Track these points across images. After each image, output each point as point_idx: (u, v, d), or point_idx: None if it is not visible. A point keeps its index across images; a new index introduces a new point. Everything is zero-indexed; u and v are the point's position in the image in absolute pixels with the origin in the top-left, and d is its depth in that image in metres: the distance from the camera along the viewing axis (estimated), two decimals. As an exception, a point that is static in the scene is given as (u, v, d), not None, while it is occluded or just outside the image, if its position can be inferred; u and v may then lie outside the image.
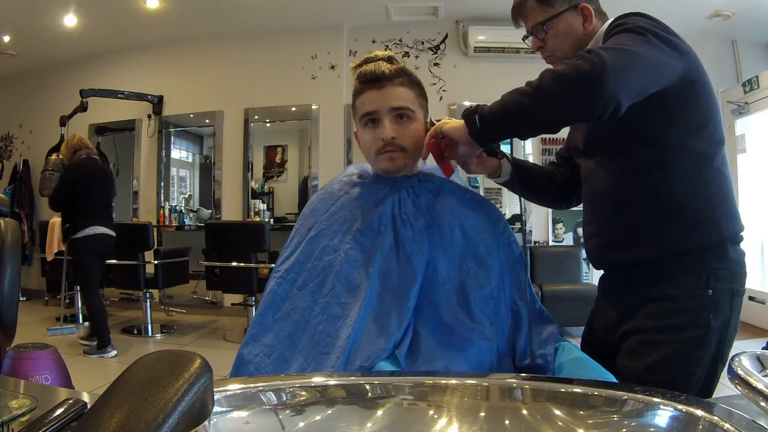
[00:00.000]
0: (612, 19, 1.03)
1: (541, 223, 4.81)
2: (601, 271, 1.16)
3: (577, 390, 0.52)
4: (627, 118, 0.90)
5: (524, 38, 1.14)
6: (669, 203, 0.98)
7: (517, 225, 4.84)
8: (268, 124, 5.39)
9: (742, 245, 1.03)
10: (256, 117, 5.24)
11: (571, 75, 0.84)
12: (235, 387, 0.51)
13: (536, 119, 0.89)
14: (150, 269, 4.21)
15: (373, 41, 4.92)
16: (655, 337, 0.97)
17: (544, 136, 4.83)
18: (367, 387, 0.56)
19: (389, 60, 1.03)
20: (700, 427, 0.43)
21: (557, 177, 1.25)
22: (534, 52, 1.14)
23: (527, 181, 1.20)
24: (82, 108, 4.93)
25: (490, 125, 0.91)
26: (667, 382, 0.91)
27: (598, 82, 0.81)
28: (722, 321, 0.96)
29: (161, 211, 5.25)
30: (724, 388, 0.81)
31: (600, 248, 1.10)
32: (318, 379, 0.56)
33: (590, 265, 1.20)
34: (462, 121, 0.95)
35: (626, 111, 0.88)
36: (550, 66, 1.02)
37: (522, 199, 1.21)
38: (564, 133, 1.25)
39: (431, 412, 0.54)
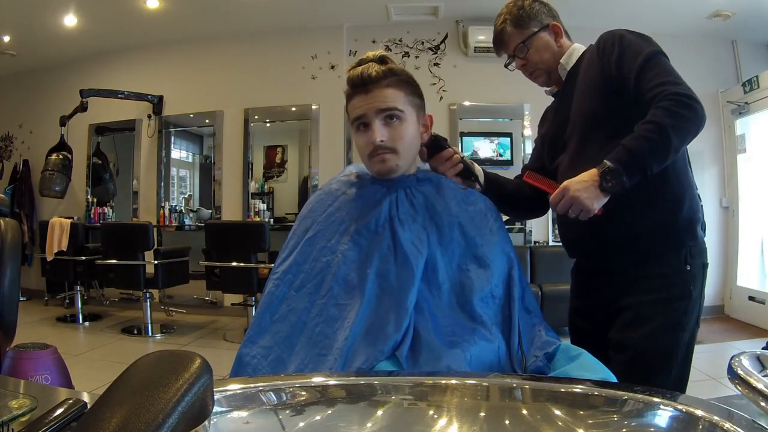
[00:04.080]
0: (599, 38, 1.21)
1: (541, 223, 4.81)
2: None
3: (577, 390, 0.52)
4: (610, 112, 1.14)
5: (507, 65, 1.33)
6: (648, 187, 1.08)
7: (517, 225, 4.85)
8: (268, 124, 5.39)
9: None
10: (256, 117, 5.24)
11: (692, 121, 1.04)
12: (235, 387, 0.51)
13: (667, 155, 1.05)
14: (150, 269, 4.21)
15: (373, 41, 4.92)
16: (650, 309, 1.12)
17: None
18: (367, 387, 0.56)
19: (380, 60, 1.03)
20: (700, 427, 0.43)
21: (525, 188, 1.28)
22: (519, 69, 1.31)
23: (498, 192, 1.24)
24: (82, 108, 4.93)
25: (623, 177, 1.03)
26: (661, 347, 1.10)
27: (703, 118, 1.05)
28: (699, 291, 1.14)
29: (161, 211, 5.25)
30: (724, 388, 0.81)
31: (583, 233, 1.19)
32: (318, 379, 0.56)
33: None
34: (590, 179, 1.04)
35: (608, 105, 1.14)
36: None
37: None
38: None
39: (431, 412, 0.54)
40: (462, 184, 1.13)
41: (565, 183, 1.05)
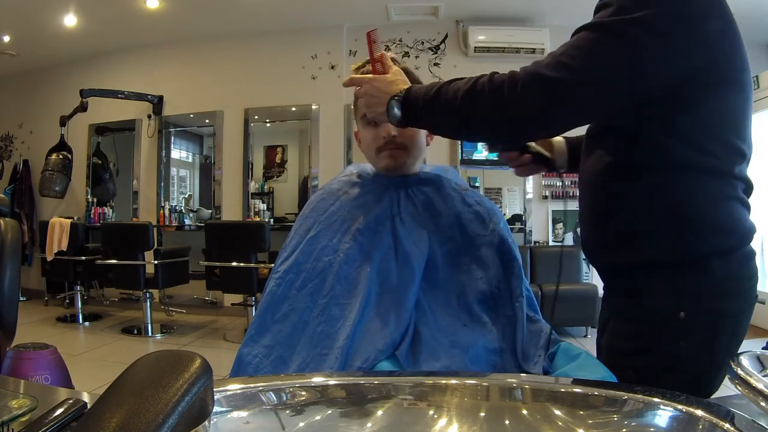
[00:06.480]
0: None
1: (541, 223, 4.81)
2: None
3: (577, 390, 0.52)
4: (620, 118, 0.85)
5: None
6: (647, 209, 0.85)
7: (517, 225, 4.85)
8: (268, 124, 5.40)
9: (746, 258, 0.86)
10: (256, 117, 5.24)
11: (496, 116, 0.82)
12: (235, 387, 0.51)
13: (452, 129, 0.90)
14: (150, 269, 4.21)
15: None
16: (620, 361, 0.87)
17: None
18: (367, 387, 0.56)
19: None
20: (700, 427, 0.43)
21: None
22: None
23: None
24: (82, 108, 4.93)
25: (407, 113, 0.89)
26: None
27: (515, 126, 0.82)
28: (699, 348, 0.82)
29: (161, 211, 5.25)
30: (724, 387, 0.81)
31: (584, 247, 1.03)
32: (318, 379, 0.56)
33: (590, 265, 1.11)
34: (384, 94, 0.91)
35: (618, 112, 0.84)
36: None
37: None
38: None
39: (431, 412, 0.54)
40: (545, 171, 1.05)
41: (373, 78, 0.95)
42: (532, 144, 1.02)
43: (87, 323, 4.67)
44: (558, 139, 1.09)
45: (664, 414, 0.46)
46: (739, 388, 0.46)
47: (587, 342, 3.70)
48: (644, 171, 0.85)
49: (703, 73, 0.79)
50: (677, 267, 0.83)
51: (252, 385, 0.53)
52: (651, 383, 0.77)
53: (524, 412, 0.54)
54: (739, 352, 0.51)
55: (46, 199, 5.46)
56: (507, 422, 0.53)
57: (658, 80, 0.77)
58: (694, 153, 0.82)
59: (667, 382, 0.73)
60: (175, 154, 5.62)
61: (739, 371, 0.47)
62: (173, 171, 5.62)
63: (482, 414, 0.54)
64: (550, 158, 1.04)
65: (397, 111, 0.89)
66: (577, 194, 1.07)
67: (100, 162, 5.72)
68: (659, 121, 0.82)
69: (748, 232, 0.85)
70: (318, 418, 0.53)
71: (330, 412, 0.54)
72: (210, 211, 5.34)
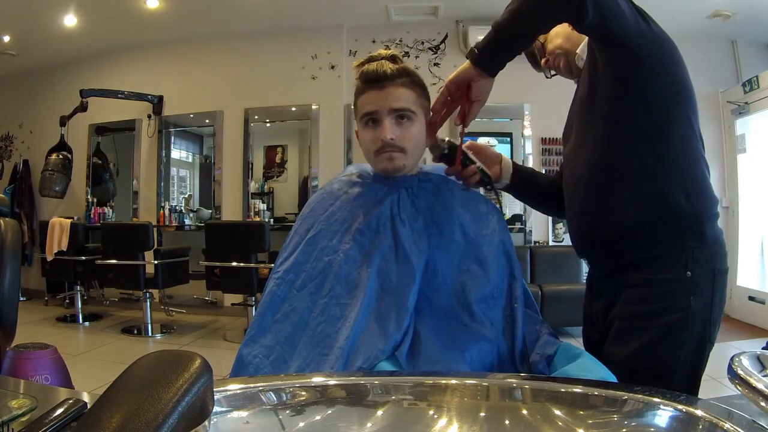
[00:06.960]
0: None
1: (541, 223, 4.81)
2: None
3: (577, 390, 0.52)
4: (599, 89, 1.01)
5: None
6: (637, 175, 1.00)
7: (517, 225, 4.85)
8: (268, 124, 5.40)
9: (719, 224, 1.05)
10: (256, 117, 5.24)
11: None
12: (235, 387, 0.51)
13: (521, 28, 0.97)
14: (150, 269, 4.21)
15: (373, 41, 4.92)
16: (637, 323, 0.99)
17: (543, 135, 4.83)
18: (367, 387, 0.56)
19: (392, 59, 1.04)
20: (700, 427, 0.43)
21: (557, 183, 1.24)
22: (550, 73, 1.22)
23: (528, 184, 1.23)
24: (82, 108, 4.93)
25: (486, 49, 0.97)
26: (652, 367, 0.97)
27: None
28: (704, 302, 0.97)
29: (161, 211, 5.25)
30: (724, 388, 0.81)
31: (579, 229, 1.10)
32: (318, 379, 0.56)
33: (587, 258, 1.18)
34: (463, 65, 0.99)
35: (600, 81, 1.01)
36: None
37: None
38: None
39: (431, 412, 0.54)
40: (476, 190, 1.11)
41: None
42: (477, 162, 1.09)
43: (87, 323, 4.67)
44: (506, 160, 1.19)
45: (664, 414, 0.47)
46: (739, 388, 0.46)
47: (587, 342, 3.67)
48: (625, 142, 1.00)
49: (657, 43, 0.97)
50: (676, 227, 0.99)
51: (252, 385, 0.53)
52: (672, 336, 0.94)
53: (524, 412, 0.54)
54: (738, 352, 0.51)
55: (46, 199, 5.46)
56: (507, 422, 0.53)
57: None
58: (671, 111, 0.99)
59: (685, 334, 0.96)
60: (175, 154, 5.62)
61: (739, 371, 0.47)
62: (173, 171, 5.62)
63: (482, 414, 0.54)
64: (491, 181, 1.11)
65: (488, 67, 0.97)
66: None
67: (100, 162, 5.72)
68: (641, 80, 0.97)
69: (716, 199, 1.04)
70: (318, 418, 0.53)
71: (330, 412, 0.54)
72: (210, 211, 5.34)
